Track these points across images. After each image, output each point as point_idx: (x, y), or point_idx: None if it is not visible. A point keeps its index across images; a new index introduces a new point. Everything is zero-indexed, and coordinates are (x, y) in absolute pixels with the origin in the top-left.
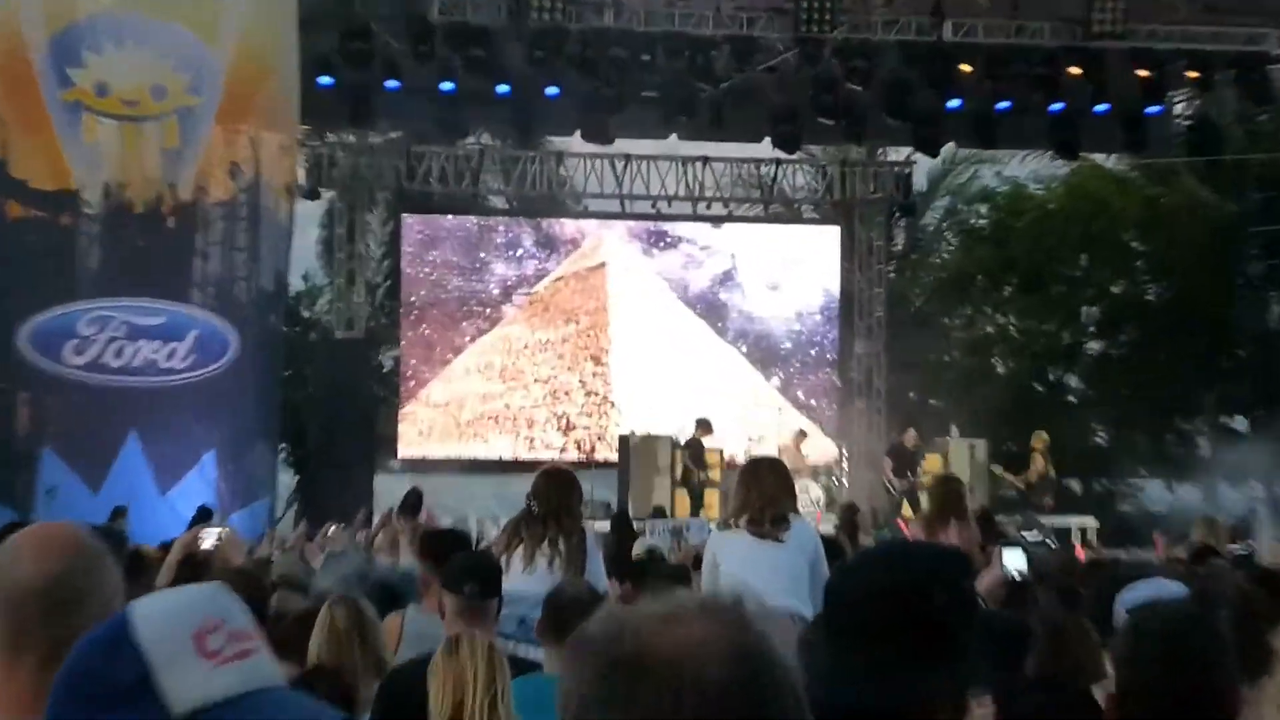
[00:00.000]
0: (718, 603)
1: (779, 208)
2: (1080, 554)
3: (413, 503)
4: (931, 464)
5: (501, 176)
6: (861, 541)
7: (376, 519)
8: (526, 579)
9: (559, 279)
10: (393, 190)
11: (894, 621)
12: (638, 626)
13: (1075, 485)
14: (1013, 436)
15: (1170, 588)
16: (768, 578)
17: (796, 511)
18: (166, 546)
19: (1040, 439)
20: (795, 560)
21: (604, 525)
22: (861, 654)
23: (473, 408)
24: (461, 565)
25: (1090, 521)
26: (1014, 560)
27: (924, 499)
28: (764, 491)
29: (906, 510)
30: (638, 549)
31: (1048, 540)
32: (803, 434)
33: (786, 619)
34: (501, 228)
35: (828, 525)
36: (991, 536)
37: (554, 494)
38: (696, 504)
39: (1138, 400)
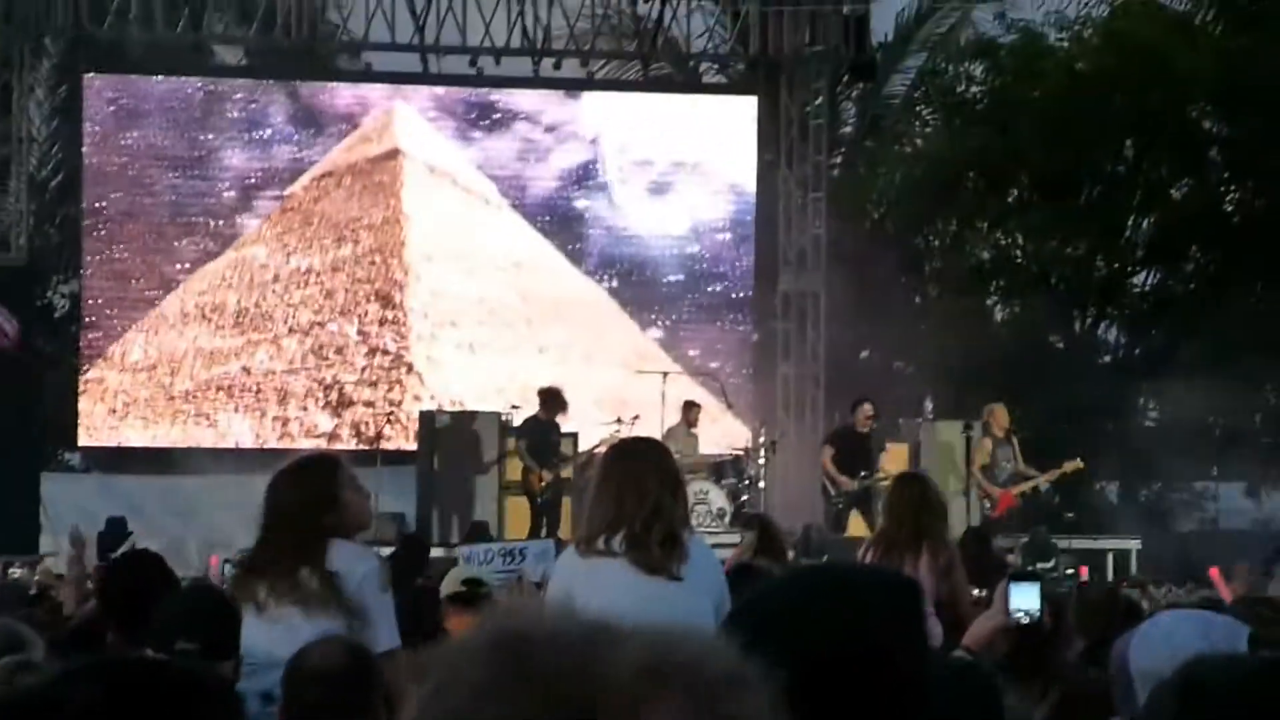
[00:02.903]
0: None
1: (665, 67)
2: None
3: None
4: (895, 457)
5: (236, 14)
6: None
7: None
8: (269, 633)
9: (327, 175)
10: (67, 34)
11: (816, 688)
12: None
13: (1112, 491)
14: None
15: (1216, 626)
16: None
17: (690, 527)
18: None
19: (997, 415)
20: (698, 605)
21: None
22: None
23: (194, 373)
24: (171, 612)
25: (1132, 544)
26: (1024, 599)
27: (883, 509)
28: (645, 496)
29: (856, 525)
30: (449, 584)
31: (1064, 572)
32: (694, 409)
33: None
34: (239, 95)
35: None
36: (986, 566)
37: (295, 499)
38: (539, 519)
39: (1210, 360)
